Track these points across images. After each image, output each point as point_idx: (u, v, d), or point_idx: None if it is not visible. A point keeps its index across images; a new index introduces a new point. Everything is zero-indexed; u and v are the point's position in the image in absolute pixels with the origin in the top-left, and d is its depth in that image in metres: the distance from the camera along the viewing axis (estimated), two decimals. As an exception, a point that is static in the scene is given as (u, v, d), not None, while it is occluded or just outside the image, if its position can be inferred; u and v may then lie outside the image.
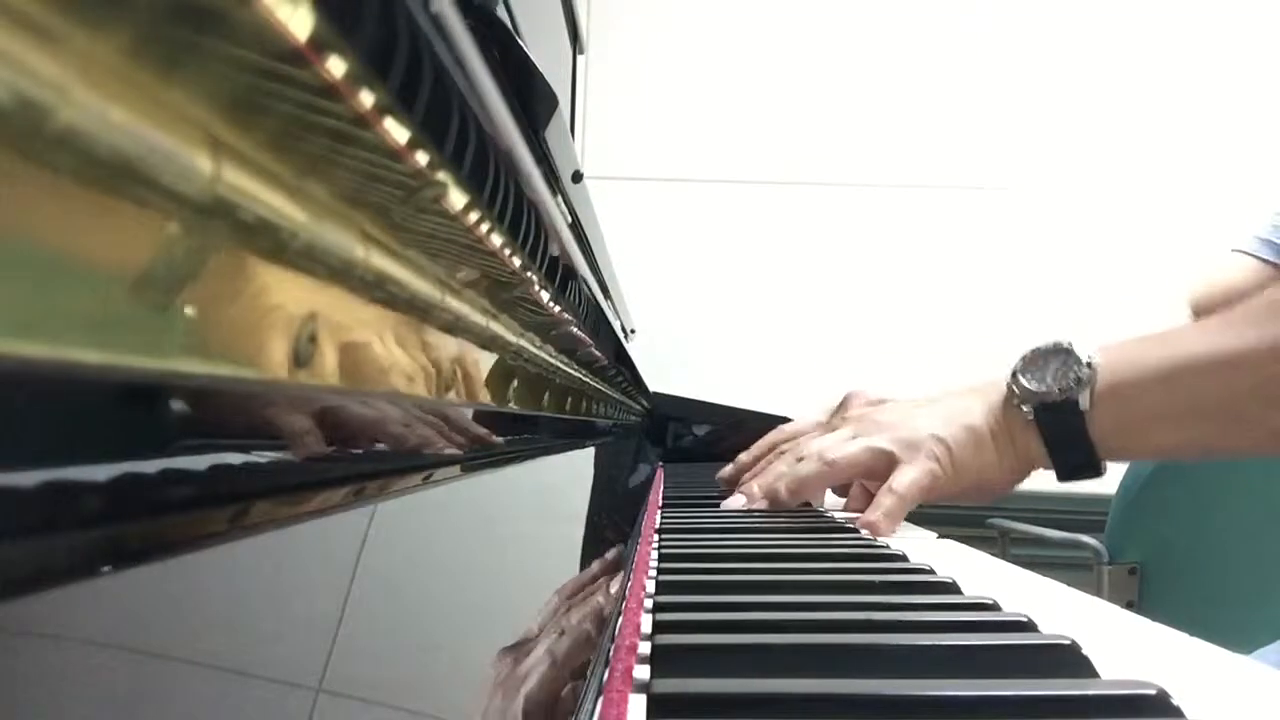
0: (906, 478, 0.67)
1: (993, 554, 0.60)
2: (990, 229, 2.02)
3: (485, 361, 0.33)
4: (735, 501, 0.73)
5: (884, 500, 0.67)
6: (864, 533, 0.62)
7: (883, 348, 1.98)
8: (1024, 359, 0.68)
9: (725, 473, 0.86)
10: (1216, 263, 1.02)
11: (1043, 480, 0.70)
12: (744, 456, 0.85)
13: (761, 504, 0.73)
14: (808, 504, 0.75)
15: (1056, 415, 0.66)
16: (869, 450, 0.70)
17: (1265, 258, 0.95)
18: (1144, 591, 1.46)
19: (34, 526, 0.11)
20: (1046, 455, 0.67)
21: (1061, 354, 0.66)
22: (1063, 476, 0.68)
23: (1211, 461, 1.04)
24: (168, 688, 0.12)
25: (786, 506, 0.72)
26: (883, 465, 0.69)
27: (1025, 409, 0.67)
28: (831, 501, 0.82)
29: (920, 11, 2.05)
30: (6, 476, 0.10)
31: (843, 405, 0.86)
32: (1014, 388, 0.67)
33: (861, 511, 0.68)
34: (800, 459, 0.73)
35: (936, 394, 0.74)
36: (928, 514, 0.72)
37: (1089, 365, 0.65)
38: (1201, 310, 1.02)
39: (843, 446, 0.71)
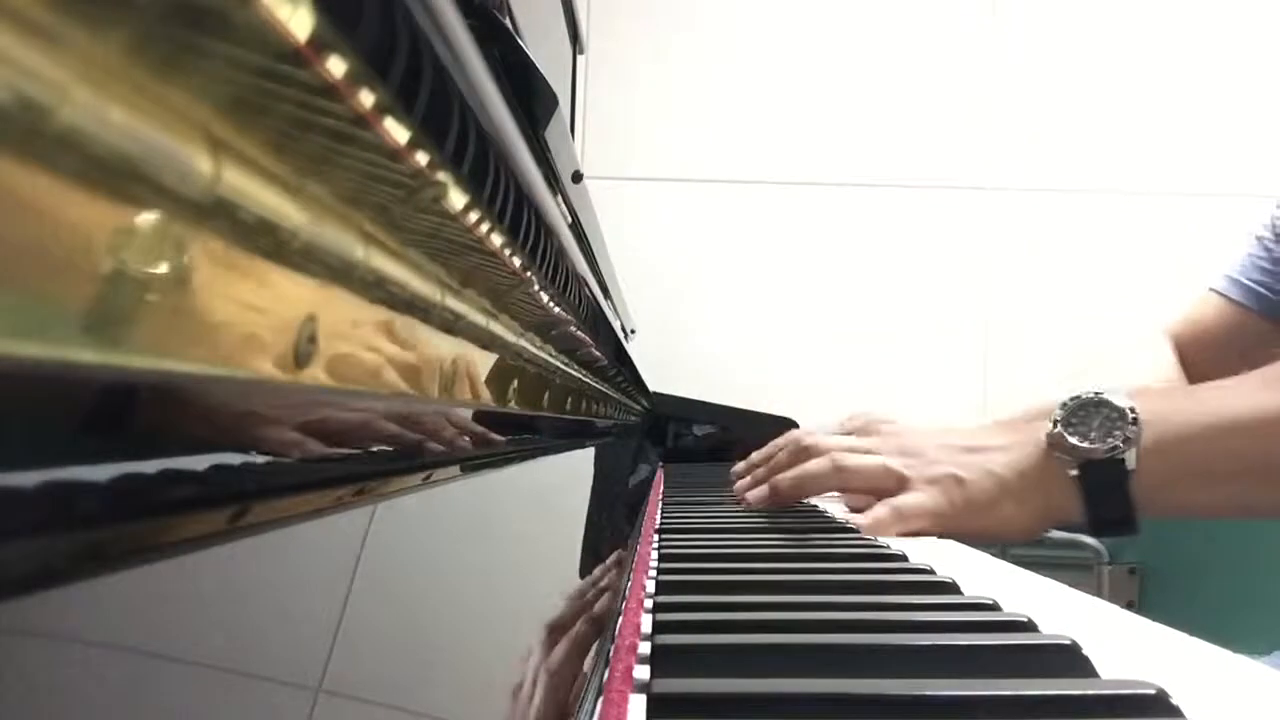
0: (911, 499, 0.67)
1: (992, 554, 0.60)
2: (990, 229, 2.02)
3: (485, 361, 0.33)
4: (744, 490, 0.74)
5: (879, 510, 0.67)
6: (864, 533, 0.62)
7: (882, 347, 1.98)
8: (1065, 410, 0.65)
9: (738, 468, 0.86)
10: (1196, 298, 1.01)
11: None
12: (756, 455, 0.85)
13: (760, 492, 0.73)
14: (812, 505, 0.75)
15: (1101, 472, 0.64)
16: (883, 468, 0.70)
17: (1233, 297, 0.94)
18: (1144, 592, 1.46)
19: (34, 526, 0.11)
20: (1082, 510, 0.65)
21: (1104, 407, 0.64)
22: (1095, 531, 0.66)
23: (1253, 520, 1.03)
24: (168, 688, 0.12)
25: (784, 502, 0.72)
26: (892, 486, 0.69)
27: (1068, 464, 0.65)
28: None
29: (920, 12, 2.05)
30: (6, 476, 0.10)
31: (854, 420, 0.86)
32: (1058, 442, 0.65)
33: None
34: (810, 455, 0.73)
35: (967, 429, 0.73)
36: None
37: (1134, 422, 0.63)
38: (1179, 344, 1.00)
39: (858, 456, 0.71)
